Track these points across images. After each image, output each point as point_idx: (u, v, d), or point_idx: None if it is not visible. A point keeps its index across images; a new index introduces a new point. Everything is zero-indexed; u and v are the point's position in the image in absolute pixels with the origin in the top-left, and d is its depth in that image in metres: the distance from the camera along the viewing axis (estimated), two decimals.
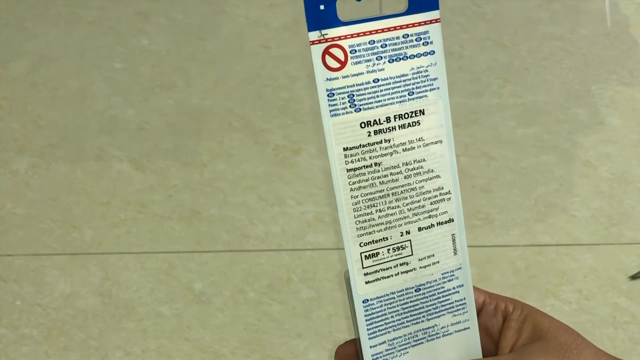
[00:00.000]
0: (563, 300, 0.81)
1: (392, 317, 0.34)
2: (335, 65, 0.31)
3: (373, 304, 0.34)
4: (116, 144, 0.98)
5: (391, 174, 0.33)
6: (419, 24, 0.32)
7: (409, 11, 0.32)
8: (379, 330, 0.34)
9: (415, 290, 0.35)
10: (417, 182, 0.33)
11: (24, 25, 1.11)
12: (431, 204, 0.34)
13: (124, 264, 0.86)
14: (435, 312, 0.35)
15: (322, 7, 0.32)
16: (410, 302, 0.35)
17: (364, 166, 0.32)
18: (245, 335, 0.80)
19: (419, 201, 0.34)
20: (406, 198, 0.33)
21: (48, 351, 0.80)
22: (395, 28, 0.32)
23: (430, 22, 0.32)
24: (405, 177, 0.33)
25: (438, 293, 0.35)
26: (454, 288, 0.35)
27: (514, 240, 0.87)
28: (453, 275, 0.35)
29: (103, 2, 1.14)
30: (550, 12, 1.11)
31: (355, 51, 0.32)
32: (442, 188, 0.34)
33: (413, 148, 0.33)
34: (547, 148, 0.95)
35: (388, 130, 0.32)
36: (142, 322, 0.82)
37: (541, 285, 0.83)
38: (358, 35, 0.32)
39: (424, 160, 0.33)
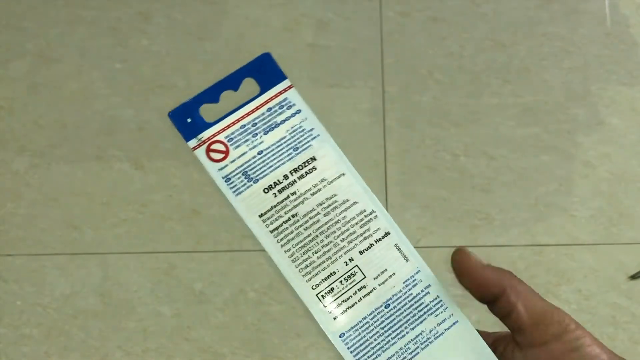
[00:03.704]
0: (563, 300, 0.81)
1: (374, 340, 0.35)
2: (220, 156, 0.36)
3: (350, 334, 0.35)
4: (116, 144, 0.98)
5: (310, 218, 0.35)
6: (276, 96, 0.36)
7: (263, 91, 0.36)
8: (368, 357, 0.35)
9: (385, 307, 0.35)
10: (337, 214, 0.35)
11: (24, 25, 1.11)
12: (361, 227, 0.36)
13: (124, 264, 0.86)
14: (416, 320, 0.35)
15: (189, 120, 0.36)
16: (386, 319, 0.35)
17: (284, 222, 0.35)
18: (245, 335, 0.80)
19: (347, 229, 0.35)
20: (335, 232, 0.35)
21: (48, 351, 0.80)
22: (257, 108, 0.36)
23: (285, 90, 0.36)
24: (325, 215, 0.35)
25: (409, 301, 0.35)
26: (422, 291, 0.35)
27: (514, 240, 0.87)
28: (415, 279, 0.36)
29: (103, 2, 1.14)
30: (550, 12, 1.11)
31: (232, 139, 0.36)
32: (365, 210, 0.36)
33: (320, 190, 0.35)
34: (547, 148, 0.95)
35: (290, 185, 0.35)
36: (142, 322, 0.82)
37: (541, 285, 0.83)
38: (229, 126, 0.36)
39: (335, 195, 0.36)
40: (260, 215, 0.35)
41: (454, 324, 0.35)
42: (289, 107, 0.37)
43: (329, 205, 0.35)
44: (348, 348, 0.35)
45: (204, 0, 1.14)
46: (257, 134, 0.36)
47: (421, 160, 0.94)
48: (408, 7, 1.08)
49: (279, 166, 0.36)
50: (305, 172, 0.36)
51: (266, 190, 0.35)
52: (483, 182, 0.92)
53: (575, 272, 0.84)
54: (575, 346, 0.33)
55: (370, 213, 0.36)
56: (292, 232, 0.35)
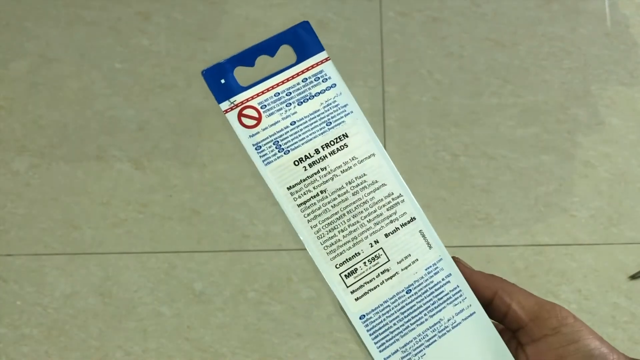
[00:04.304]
0: (563, 300, 0.81)
1: (394, 324, 0.35)
2: (252, 122, 0.35)
3: (371, 317, 0.35)
4: (116, 144, 0.98)
5: (339, 195, 0.35)
6: (312, 67, 0.36)
7: (299, 60, 0.36)
8: (387, 341, 0.35)
9: (407, 292, 0.35)
10: (366, 195, 0.35)
11: (25, 25, 1.11)
12: (387, 210, 0.35)
13: (124, 264, 0.87)
14: (435, 307, 0.35)
15: (222, 80, 0.35)
16: (407, 304, 0.35)
17: (312, 197, 0.35)
18: (245, 335, 0.81)
19: (375, 211, 0.35)
20: (362, 212, 0.35)
21: (48, 351, 0.80)
22: (292, 77, 0.36)
23: (322, 62, 0.36)
24: (353, 194, 0.35)
25: (429, 288, 0.35)
26: (443, 279, 0.35)
27: (514, 240, 0.87)
28: (437, 267, 0.36)
29: (103, 2, 1.14)
30: (550, 12, 1.11)
31: (265, 106, 0.35)
32: (392, 193, 0.35)
33: (350, 168, 0.35)
34: (547, 148, 0.95)
35: (321, 160, 0.35)
36: (142, 322, 0.82)
37: (541, 285, 0.83)
38: (263, 92, 0.35)
39: (364, 174, 0.35)
40: (289, 188, 0.35)
41: (471, 314, 0.36)
42: (325, 80, 0.36)
43: (358, 184, 0.35)
44: (368, 330, 0.34)
45: (204, 0, 1.14)
46: (291, 104, 0.35)
47: (421, 160, 0.94)
48: (408, 7, 1.08)
49: (311, 139, 0.35)
50: (337, 148, 0.35)
51: (296, 163, 0.35)
52: (483, 182, 0.92)
53: (575, 272, 0.84)
54: (574, 338, 0.33)
55: (398, 196, 0.36)
56: (319, 208, 0.35)
